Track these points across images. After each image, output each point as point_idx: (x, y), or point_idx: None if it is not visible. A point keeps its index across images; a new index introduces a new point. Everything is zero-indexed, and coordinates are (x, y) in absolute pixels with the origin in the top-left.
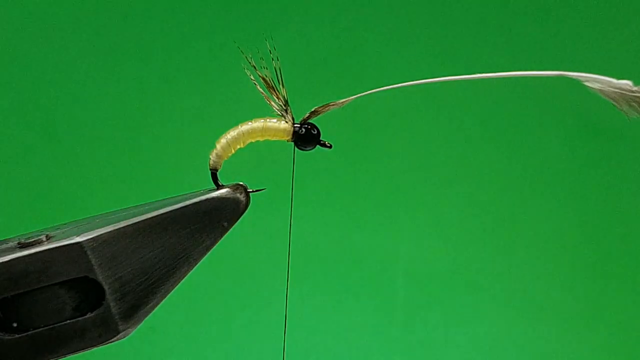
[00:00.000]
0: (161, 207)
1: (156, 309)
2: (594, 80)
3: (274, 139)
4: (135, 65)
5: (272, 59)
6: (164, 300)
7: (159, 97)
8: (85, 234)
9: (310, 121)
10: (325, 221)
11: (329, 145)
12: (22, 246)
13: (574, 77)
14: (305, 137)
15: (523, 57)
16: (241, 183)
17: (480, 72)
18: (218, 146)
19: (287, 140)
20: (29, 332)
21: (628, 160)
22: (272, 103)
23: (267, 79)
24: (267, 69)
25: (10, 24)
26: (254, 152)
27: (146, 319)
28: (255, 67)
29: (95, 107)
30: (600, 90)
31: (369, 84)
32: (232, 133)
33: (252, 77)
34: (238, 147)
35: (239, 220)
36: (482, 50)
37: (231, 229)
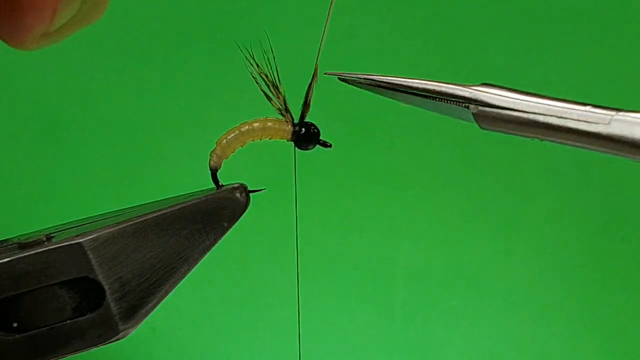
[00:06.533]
0: (161, 207)
1: (156, 309)
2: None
3: (274, 138)
4: (135, 65)
5: (274, 58)
6: (164, 300)
7: (159, 97)
8: (85, 234)
9: (309, 121)
10: (324, 221)
11: (329, 144)
12: (22, 246)
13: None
14: (305, 136)
15: (523, 57)
16: (241, 183)
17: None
18: (218, 146)
19: (287, 140)
20: (29, 332)
21: (628, 160)
22: (273, 102)
23: (268, 79)
24: (269, 67)
25: None
26: (254, 152)
27: (146, 319)
28: (257, 66)
29: (96, 107)
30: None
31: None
32: (232, 133)
33: (253, 75)
34: (238, 146)
35: (238, 220)
36: (483, 50)
37: (231, 229)
